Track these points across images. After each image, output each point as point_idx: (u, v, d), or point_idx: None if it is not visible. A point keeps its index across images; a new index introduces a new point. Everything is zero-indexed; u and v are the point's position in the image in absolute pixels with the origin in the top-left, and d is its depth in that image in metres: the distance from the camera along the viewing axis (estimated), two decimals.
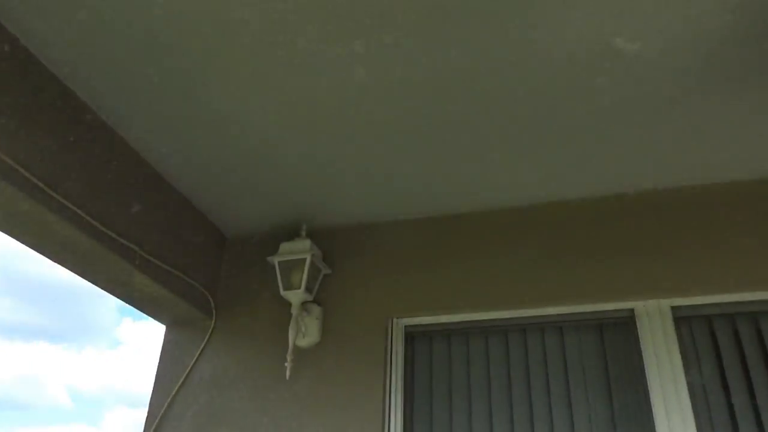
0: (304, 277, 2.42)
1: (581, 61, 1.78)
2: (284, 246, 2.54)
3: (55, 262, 2.11)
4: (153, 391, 2.58)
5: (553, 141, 2.15)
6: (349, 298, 2.55)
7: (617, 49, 1.73)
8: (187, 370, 2.56)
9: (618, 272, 2.29)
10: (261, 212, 2.67)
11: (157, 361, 2.67)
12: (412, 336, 2.49)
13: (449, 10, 1.63)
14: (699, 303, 2.22)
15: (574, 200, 2.49)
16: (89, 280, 2.27)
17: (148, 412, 2.53)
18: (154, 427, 2.46)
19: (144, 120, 2.11)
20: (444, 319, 2.46)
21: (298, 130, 2.13)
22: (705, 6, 1.60)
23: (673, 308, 2.23)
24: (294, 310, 2.42)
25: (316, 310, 2.51)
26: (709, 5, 1.60)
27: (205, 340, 2.61)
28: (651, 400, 2.10)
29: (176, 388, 2.53)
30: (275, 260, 2.50)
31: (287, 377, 2.35)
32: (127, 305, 2.49)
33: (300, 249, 2.49)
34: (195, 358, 2.58)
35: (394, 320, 2.49)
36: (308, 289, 2.45)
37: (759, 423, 2.02)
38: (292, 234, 2.66)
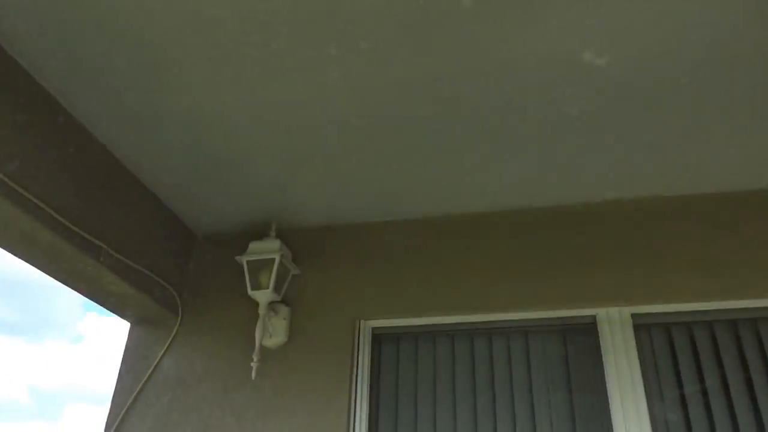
0: (273, 277, 2.41)
1: (551, 72, 1.82)
2: (253, 245, 2.53)
3: (17, 257, 2.07)
4: (116, 388, 2.54)
5: (522, 148, 2.19)
6: (317, 299, 2.55)
7: (586, 62, 1.77)
8: (152, 368, 2.53)
9: (582, 280, 2.34)
10: (231, 211, 2.65)
11: (121, 358, 2.63)
12: (379, 338, 2.51)
13: (425, 19, 1.65)
14: (658, 311, 2.28)
15: (541, 207, 2.54)
16: (52, 276, 2.22)
17: (110, 410, 2.49)
18: (115, 425, 2.43)
19: (113, 115, 2.08)
20: (411, 321, 2.48)
21: (270, 130, 2.13)
22: (669, 27, 1.65)
23: (634, 316, 2.29)
24: (261, 310, 2.41)
25: (283, 310, 2.51)
26: (673, 27, 1.65)
27: (171, 338, 2.58)
28: (610, 404, 2.15)
29: (140, 386, 2.50)
30: (244, 259, 2.49)
31: (253, 377, 2.35)
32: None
33: (269, 249, 2.48)
34: (160, 357, 2.56)
35: (362, 322, 2.50)
36: (276, 289, 2.44)
37: (712, 428, 2.09)
38: (261, 233, 2.65)
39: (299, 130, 2.12)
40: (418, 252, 2.56)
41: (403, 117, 2.04)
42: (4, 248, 2.02)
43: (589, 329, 2.32)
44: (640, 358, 2.22)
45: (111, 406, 2.50)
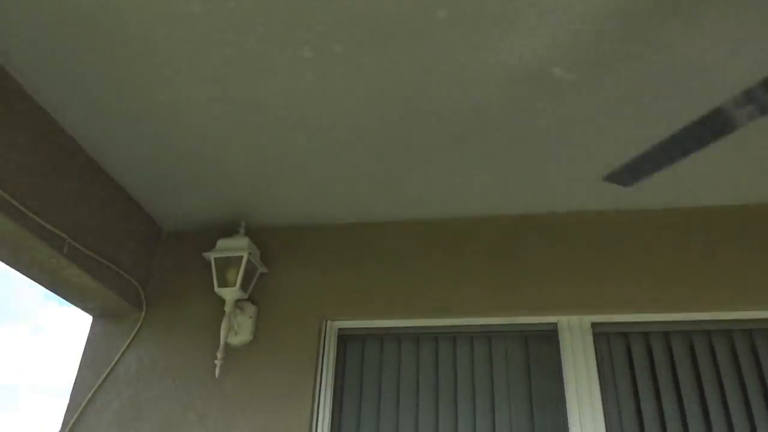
0: (240, 274, 2.40)
1: (522, 84, 1.86)
2: (221, 242, 2.52)
3: None
4: (75, 382, 2.51)
5: (490, 157, 2.22)
6: (284, 298, 2.55)
7: (555, 77, 1.82)
8: (113, 363, 2.50)
9: (544, 288, 2.40)
10: (200, 207, 2.63)
11: (82, 351, 2.59)
12: (345, 338, 2.52)
13: (400, 27, 1.67)
14: (617, 321, 2.34)
15: (507, 216, 2.58)
16: (12, 267, 2.17)
17: (69, 405, 2.45)
18: (74, 419, 2.39)
19: (82, 106, 2.05)
20: (377, 323, 2.50)
21: (241, 128, 2.12)
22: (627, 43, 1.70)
23: (593, 324, 2.35)
24: (227, 308, 2.40)
25: (250, 308, 2.50)
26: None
27: (134, 333, 2.55)
28: (567, 409, 2.20)
29: (100, 380, 2.46)
30: (211, 256, 2.48)
31: (216, 375, 2.34)
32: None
33: (237, 246, 2.48)
34: (122, 351, 2.53)
35: (328, 322, 2.51)
36: (243, 287, 2.44)
37: None
38: (230, 230, 2.64)
39: (271, 129, 2.12)
40: (386, 255, 2.58)
41: (374, 121, 2.06)
42: None
43: (550, 336, 2.38)
44: (598, 365, 2.28)
45: (69, 401, 2.47)
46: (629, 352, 2.32)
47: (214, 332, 2.45)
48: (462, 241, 2.56)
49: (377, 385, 2.41)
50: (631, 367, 2.29)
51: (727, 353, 2.25)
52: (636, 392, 2.24)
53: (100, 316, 2.63)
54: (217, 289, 2.42)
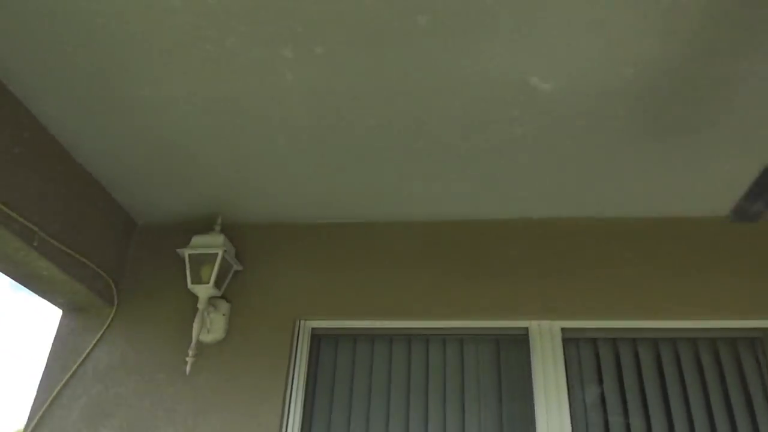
0: (214, 272, 2.39)
1: (499, 93, 1.88)
2: (197, 239, 2.50)
3: None
4: (42, 376, 2.46)
5: (465, 163, 2.25)
6: (258, 297, 2.54)
7: (532, 86, 1.84)
8: (82, 358, 2.47)
9: (517, 293, 2.43)
10: (176, 202, 2.61)
11: (50, 345, 2.55)
12: (318, 338, 2.52)
13: (381, 32, 1.68)
14: (586, 326, 2.39)
15: (481, 220, 2.61)
16: None
17: (35, 400, 2.41)
18: (40, 414, 2.35)
19: (57, 96, 2.02)
20: (351, 323, 2.50)
21: (220, 125, 2.11)
22: (608, 58, 1.74)
23: (563, 330, 2.39)
24: (200, 305, 2.39)
25: (223, 306, 2.49)
26: (611, 60, 1.74)
27: (104, 328, 2.52)
28: (535, 411, 2.24)
29: (68, 375, 2.43)
30: (186, 252, 2.46)
31: (187, 372, 2.32)
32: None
33: (212, 243, 2.46)
34: (91, 346, 2.49)
35: (302, 322, 2.51)
36: (217, 285, 2.42)
37: None
38: (206, 227, 2.62)
39: (250, 127, 2.11)
40: (361, 255, 2.59)
41: (353, 124, 2.06)
42: None
43: (521, 340, 2.41)
44: (567, 369, 2.32)
45: (36, 395, 2.43)
46: (597, 357, 2.37)
47: (186, 329, 2.43)
48: (438, 244, 2.58)
49: (349, 384, 2.42)
50: (599, 372, 2.34)
51: (691, 360, 2.31)
52: (603, 396, 2.28)
53: (70, 309, 2.59)
54: (190, 285, 2.41)
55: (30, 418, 2.36)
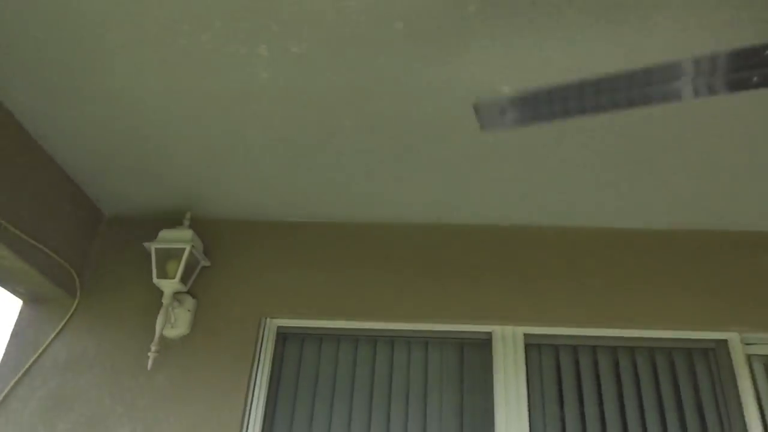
0: (181, 267, 2.37)
1: (470, 100, 1.91)
2: (164, 233, 2.48)
3: None
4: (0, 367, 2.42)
5: (436, 167, 2.28)
6: (224, 293, 2.53)
7: (504, 94, 1.88)
8: (41, 350, 2.42)
9: (481, 298, 2.47)
10: (144, 195, 2.58)
11: (9, 336, 2.50)
12: (284, 336, 2.52)
13: (358, 35, 1.70)
14: (548, 333, 2.44)
15: (449, 225, 2.64)
16: None
17: None
18: None
19: (25, 83, 1.98)
20: (317, 323, 2.51)
21: (193, 120, 2.10)
22: (579, 72, 1.78)
23: (526, 335, 2.43)
24: (165, 300, 2.36)
25: (189, 301, 2.47)
26: (581, 73, 1.78)
27: (65, 320, 2.48)
28: (495, 414, 2.27)
29: (25, 368, 2.38)
30: (152, 246, 2.43)
31: (149, 367, 2.29)
32: None
33: (180, 238, 2.44)
34: (51, 338, 2.45)
35: (267, 320, 2.51)
36: (183, 281, 2.40)
37: None
38: (174, 221, 2.60)
39: (222, 123, 2.11)
40: (329, 255, 2.60)
41: (325, 124, 2.08)
42: None
43: (484, 344, 2.45)
44: (528, 374, 2.36)
45: None
46: (558, 363, 2.41)
47: (150, 324, 2.40)
48: (406, 247, 2.60)
49: (313, 384, 2.42)
50: (559, 377, 2.38)
51: (647, 369, 2.37)
52: (561, 401, 2.33)
53: (31, 301, 2.54)
54: (155, 280, 2.38)
55: None
